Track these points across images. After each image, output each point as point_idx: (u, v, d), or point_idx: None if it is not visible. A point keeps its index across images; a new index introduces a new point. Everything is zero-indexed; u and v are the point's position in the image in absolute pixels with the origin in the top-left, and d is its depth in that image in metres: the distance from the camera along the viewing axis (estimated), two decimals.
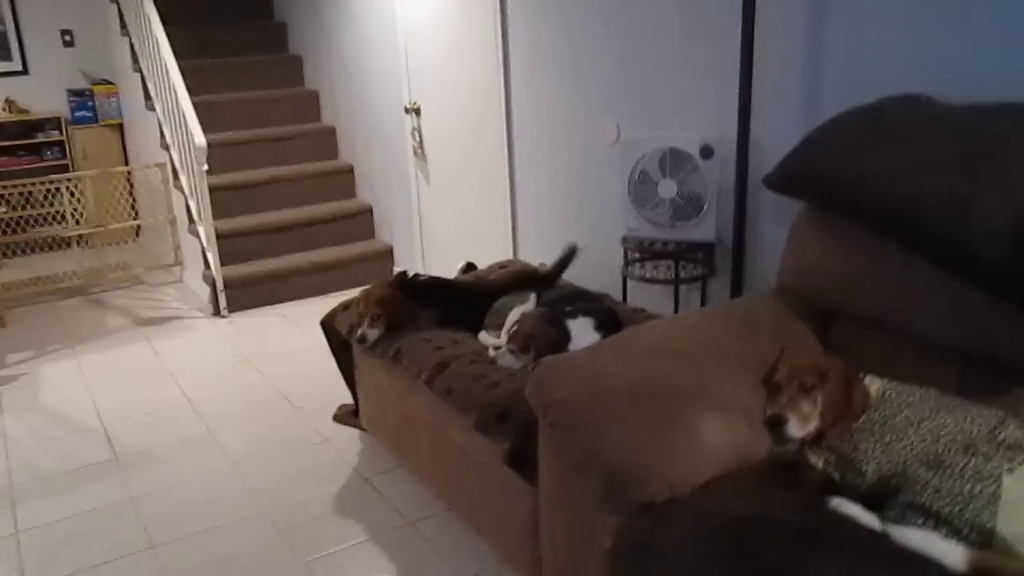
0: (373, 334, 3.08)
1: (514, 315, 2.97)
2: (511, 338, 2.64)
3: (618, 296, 3.41)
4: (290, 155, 6.18)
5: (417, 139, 5.24)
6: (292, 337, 4.97)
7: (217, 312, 5.34)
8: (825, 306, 2.38)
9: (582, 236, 4.04)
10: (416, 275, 3.29)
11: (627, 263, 3.38)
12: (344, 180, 6.23)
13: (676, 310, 3.37)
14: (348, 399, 3.81)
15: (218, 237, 5.28)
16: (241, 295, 5.40)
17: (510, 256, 4.65)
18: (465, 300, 3.21)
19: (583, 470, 1.96)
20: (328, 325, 3.44)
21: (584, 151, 3.92)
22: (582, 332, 2.64)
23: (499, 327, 3.04)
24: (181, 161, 5.54)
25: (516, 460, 2.33)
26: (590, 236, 3.99)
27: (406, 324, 3.09)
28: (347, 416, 3.79)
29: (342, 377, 3.61)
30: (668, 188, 3.16)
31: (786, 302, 2.41)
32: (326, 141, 6.34)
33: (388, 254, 5.93)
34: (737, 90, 2.89)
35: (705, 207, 3.12)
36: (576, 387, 1.97)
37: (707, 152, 3.08)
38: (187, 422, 3.92)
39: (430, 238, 5.46)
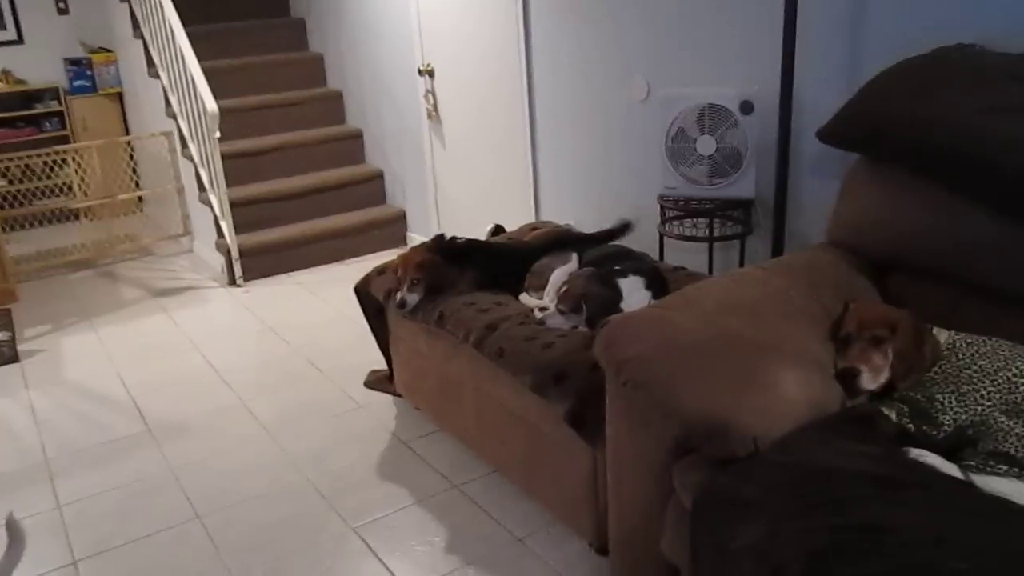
0: (413, 299, 3.05)
1: (558, 275, 2.95)
2: (561, 298, 2.62)
3: (654, 255, 3.38)
4: (297, 121, 6.09)
5: (431, 102, 5.17)
6: (312, 305, 4.94)
7: (233, 282, 5.29)
8: (881, 259, 2.36)
9: (609, 196, 4.01)
10: (453, 238, 3.26)
11: (663, 221, 3.36)
12: (353, 145, 6.15)
13: (710, 269, 3.36)
14: (376, 365, 3.80)
15: (232, 205, 5.21)
16: (256, 264, 5.35)
17: (531, 219, 4.62)
18: (504, 262, 3.18)
19: (657, 428, 1.95)
20: (362, 291, 3.41)
21: (611, 109, 3.88)
22: (633, 291, 2.62)
23: (541, 288, 3.02)
24: (190, 129, 5.45)
25: (577, 420, 2.32)
26: (617, 196, 3.96)
27: (445, 288, 3.07)
28: (380, 382, 3.77)
29: (376, 343, 3.58)
30: (706, 145, 3.13)
31: (842, 255, 2.40)
32: (333, 106, 6.25)
33: (401, 219, 5.88)
34: (775, 44, 2.85)
35: (744, 163, 3.10)
36: (649, 344, 1.96)
37: (747, 107, 3.04)
38: (217, 392, 3.89)
39: (446, 202, 5.41)
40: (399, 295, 3.06)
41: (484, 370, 2.78)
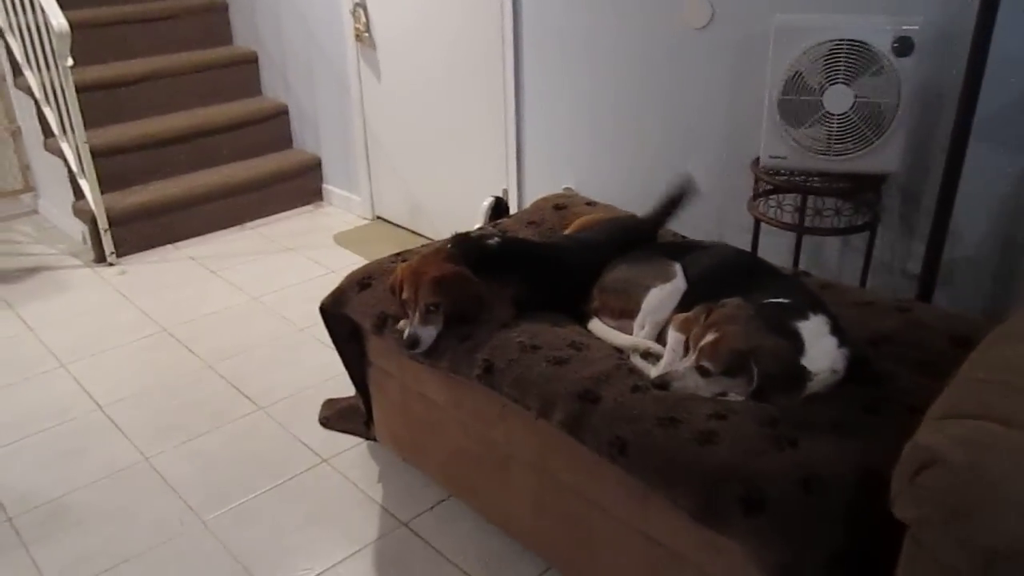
0: (428, 335, 2.02)
1: (658, 300, 1.98)
2: (708, 352, 1.67)
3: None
4: (170, 40, 4.71)
5: (363, 20, 3.96)
6: (217, 290, 3.73)
7: (101, 258, 3.98)
8: None
9: (641, 159, 3.03)
10: (480, 235, 2.21)
11: (755, 196, 2.44)
12: (245, 73, 4.84)
13: (792, 262, 2.47)
14: (332, 388, 2.75)
15: (92, 155, 3.86)
16: (131, 233, 4.06)
17: (504, 181, 3.58)
18: (559, 270, 2.18)
19: None
20: (333, 312, 2.32)
21: (647, 37, 2.87)
22: (816, 339, 1.70)
23: (620, 313, 2.04)
24: (26, 52, 4.00)
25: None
26: (653, 160, 2.99)
27: (477, 314, 2.04)
28: (343, 419, 2.73)
29: (349, 375, 2.51)
30: (840, 98, 2.20)
31: None
32: (217, 20, 4.88)
33: (314, 168, 4.69)
34: None
35: (892, 125, 2.19)
36: None
37: (904, 47, 2.13)
38: (104, 442, 2.73)
39: (380, 152, 4.26)
40: (408, 331, 2.01)
41: (563, 451, 1.82)
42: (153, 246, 4.16)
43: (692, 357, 1.71)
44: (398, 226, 4.36)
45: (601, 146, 3.15)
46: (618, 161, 3.10)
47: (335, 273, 3.85)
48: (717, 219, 2.78)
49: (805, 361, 1.66)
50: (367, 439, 2.66)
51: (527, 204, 3.52)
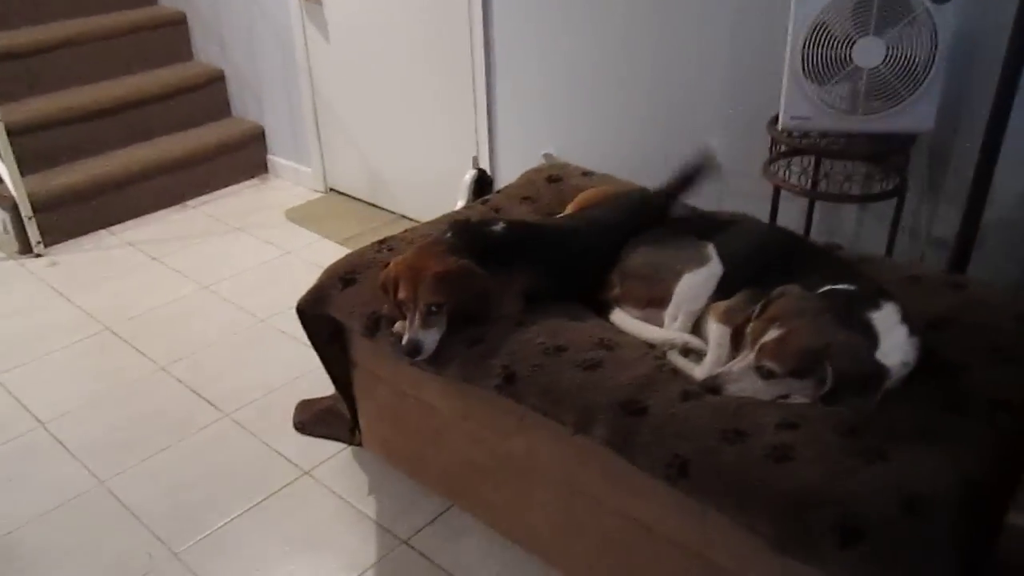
0: (431, 340, 1.76)
1: (692, 287, 1.76)
2: (771, 351, 1.46)
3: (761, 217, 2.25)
4: (86, 1, 4.23)
5: None
6: (161, 280, 3.39)
7: (27, 249, 3.58)
8: None
9: (629, 122, 2.79)
10: (483, 220, 1.96)
11: (772, 159, 2.23)
12: (174, 35, 4.41)
13: (889, 252, 2.28)
14: (304, 385, 2.49)
15: (8, 133, 3.45)
16: (60, 219, 3.66)
17: (474, 148, 3.30)
18: (573, 254, 1.94)
19: None
20: (312, 313, 2.04)
21: None
22: (889, 331, 1.50)
23: (647, 302, 1.82)
24: None
25: None
26: (643, 122, 2.75)
27: (484, 312, 1.79)
28: (321, 421, 2.48)
29: (330, 377, 2.24)
30: (871, 51, 1.99)
31: None
32: None
33: (258, 139, 4.32)
34: None
35: (927, 80, 1.99)
36: None
37: None
38: (52, 465, 2.41)
39: (331, 119, 3.92)
40: (407, 336, 1.75)
41: (598, 464, 1.60)
42: (86, 232, 3.76)
43: (749, 355, 1.50)
44: (355, 199, 4.04)
45: (584, 107, 2.89)
46: (603, 124, 2.85)
47: (291, 254, 3.54)
48: (720, 186, 2.56)
49: (879, 355, 1.46)
50: (351, 444, 2.41)
51: (501, 173, 3.27)
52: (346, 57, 3.67)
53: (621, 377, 1.57)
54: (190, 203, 4.07)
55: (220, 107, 4.40)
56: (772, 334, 1.46)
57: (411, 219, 3.77)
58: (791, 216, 2.38)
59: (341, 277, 1.98)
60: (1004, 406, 1.47)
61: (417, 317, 1.75)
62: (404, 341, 1.76)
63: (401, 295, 1.77)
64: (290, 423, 2.52)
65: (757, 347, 1.48)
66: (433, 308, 1.75)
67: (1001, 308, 1.72)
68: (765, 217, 2.31)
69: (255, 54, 4.09)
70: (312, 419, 2.49)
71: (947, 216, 2.22)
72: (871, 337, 1.46)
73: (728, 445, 1.40)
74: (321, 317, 2.02)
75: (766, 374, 1.48)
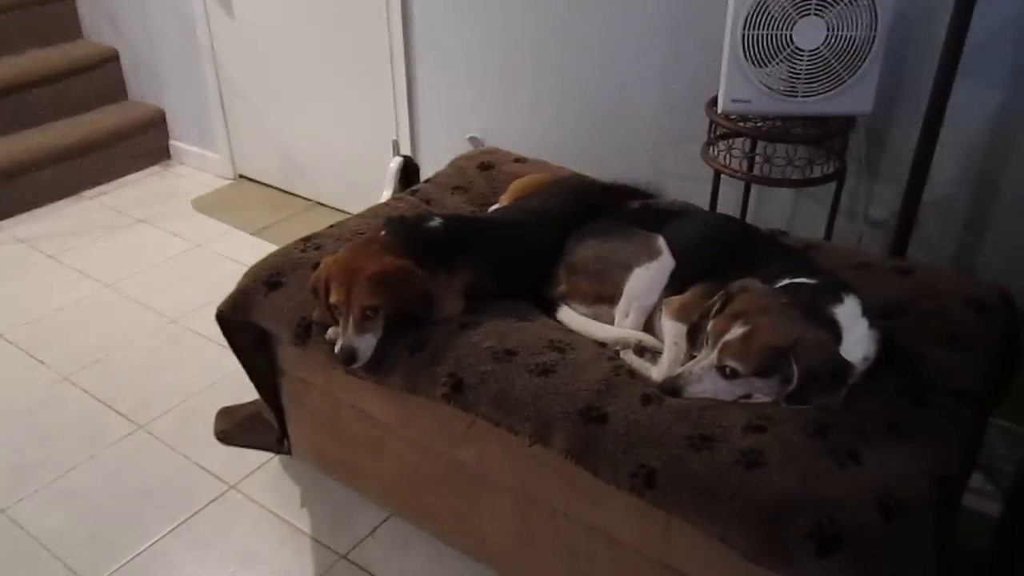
0: (367, 345, 1.64)
1: (643, 282, 1.69)
2: (734, 350, 1.39)
3: (697, 202, 2.20)
4: None
5: None
6: (60, 278, 3.14)
7: None
8: None
9: (562, 103, 2.69)
10: (419, 216, 1.83)
11: (710, 142, 2.18)
12: (59, 11, 4.07)
13: (828, 235, 2.25)
14: (222, 392, 2.33)
15: None
16: None
17: (394, 131, 3.15)
18: (516, 248, 1.84)
19: None
20: (234, 320, 1.88)
21: None
22: (852, 325, 1.45)
23: (596, 298, 1.74)
24: None
25: None
26: (577, 103, 2.66)
27: (423, 314, 1.68)
28: (244, 432, 2.32)
29: (255, 385, 2.09)
30: (811, 32, 1.95)
31: None
32: None
33: (158, 123, 4.05)
34: None
35: (867, 61, 1.96)
36: None
37: None
38: None
39: (238, 98, 3.69)
40: (340, 343, 1.63)
41: (555, 473, 1.52)
42: None
43: (711, 354, 1.44)
44: (267, 186, 3.83)
45: (511, 87, 2.78)
46: (532, 105, 2.75)
47: (201, 247, 3.33)
48: (656, 169, 2.50)
49: (843, 351, 1.41)
50: (279, 453, 2.26)
51: (424, 158, 3.13)
52: (252, 33, 3.45)
53: (577, 382, 1.49)
54: (86, 194, 3.79)
55: (115, 89, 4.11)
56: (735, 332, 1.40)
57: (327, 206, 3.59)
58: (729, 199, 2.34)
59: (265, 280, 1.83)
60: (964, 396, 1.46)
61: (351, 322, 1.63)
62: (338, 348, 1.64)
63: (333, 298, 1.64)
64: (211, 433, 2.35)
65: (719, 346, 1.42)
66: (369, 312, 1.63)
67: (950, 294, 1.70)
68: (704, 201, 2.26)
69: (151, 30, 3.82)
70: (236, 428, 2.33)
71: (882, 196, 2.21)
72: (835, 333, 1.41)
73: (695, 452, 1.34)
74: (244, 324, 1.86)
75: (729, 374, 1.42)
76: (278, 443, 2.21)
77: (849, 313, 1.45)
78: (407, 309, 1.66)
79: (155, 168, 4.04)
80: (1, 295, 3.02)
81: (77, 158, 3.76)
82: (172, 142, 4.07)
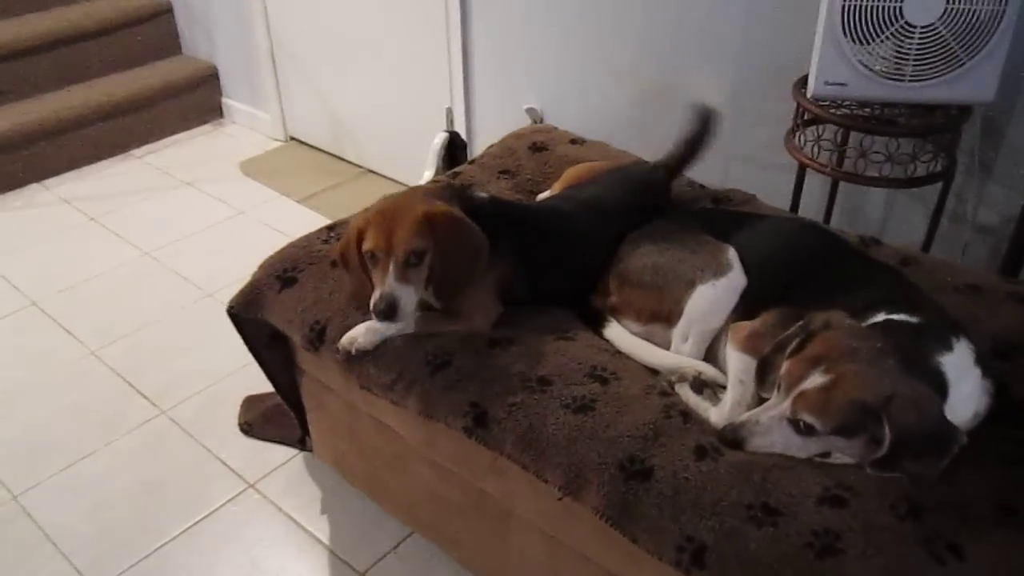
0: (410, 297, 1.42)
1: (705, 302, 1.43)
2: (811, 402, 1.14)
3: (778, 203, 1.92)
4: None
5: None
6: (99, 243, 3.04)
7: None
8: None
9: (625, 75, 2.42)
10: (464, 185, 1.62)
11: (795, 127, 1.88)
12: None
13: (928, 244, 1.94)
14: (251, 380, 2.17)
15: None
16: None
17: (448, 98, 2.91)
18: (559, 244, 1.60)
19: None
20: (246, 316, 1.70)
21: None
22: (962, 376, 1.18)
23: (651, 316, 1.50)
24: None
25: None
26: (640, 76, 2.38)
27: (467, 277, 1.47)
28: (269, 424, 2.17)
29: (276, 390, 1.92)
30: (927, 4, 1.63)
31: None
32: None
33: (211, 79, 3.90)
34: None
35: (990, 41, 1.64)
36: None
37: None
38: None
39: (289, 57, 3.50)
40: (378, 292, 1.41)
41: (589, 520, 1.29)
42: (15, 187, 3.37)
43: (783, 403, 1.19)
44: (318, 149, 3.65)
45: (574, 56, 2.52)
46: (595, 78, 2.49)
47: (244, 214, 3.17)
48: (724, 155, 2.22)
49: (948, 408, 1.15)
50: (303, 450, 2.10)
51: (479, 129, 2.89)
52: None
53: (620, 424, 1.26)
54: (135, 152, 3.68)
55: (168, 43, 3.97)
56: (815, 380, 1.15)
57: (378, 174, 3.40)
58: (812, 193, 2.05)
59: (279, 275, 1.65)
60: None
61: (392, 268, 1.41)
62: (375, 299, 1.41)
63: (370, 244, 1.42)
64: (235, 422, 2.21)
65: (795, 394, 1.17)
66: (413, 258, 1.41)
67: None
68: (784, 194, 1.97)
69: None
70: (260, 419, 2.18)
71: (996, 200, 1.90)
72: (940, 387, 1.15)
73: (756, 527, 1.10)
74: (254, 322, 1.68)
75: (804, 429, 1.17)
76: (300, 442, 2.05)
77: (959, 363, 1.18)
78: (453, 265, 1.44)
79: (206, 127, 3.90)
80: (39, 259, 2.92)
81: (126, 115, 3.64)
82: (224, 100, 3.93)
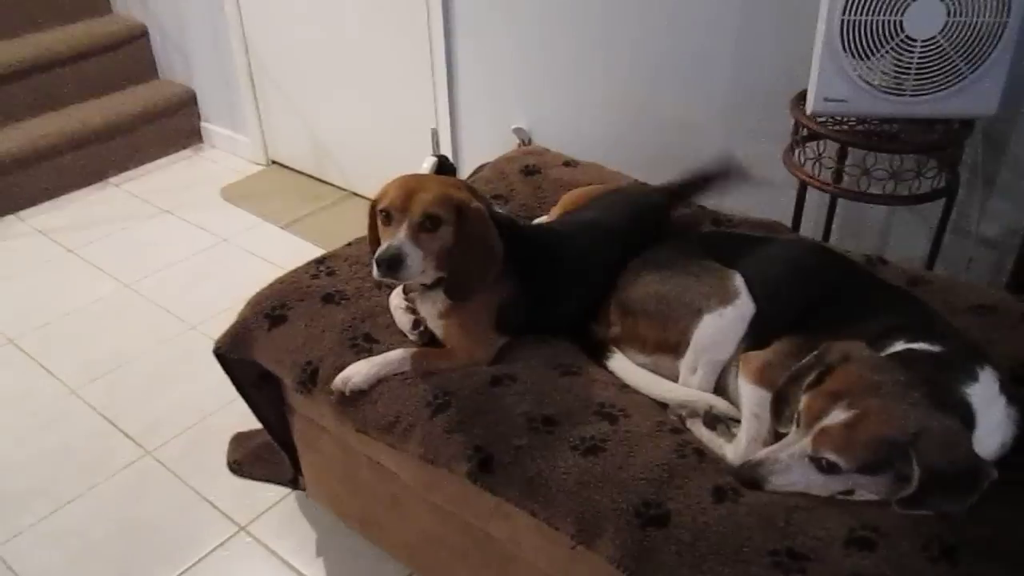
0: (417, 257, 1.35)
1: (712, 331, 1.38)
2: (835, 439, 1.09)
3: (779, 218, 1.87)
4: None
5: None
6: (76, 275, 2.95)
7: None
8: None
9: (617, 95, 2.37)
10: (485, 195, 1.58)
11: (795, 144, 1.84)
12: None
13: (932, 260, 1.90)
14: (239, 416, 2.07)
15: None
16: None
17: (433, 119, 2.86)
18: (557, 267, 1.54)
19: None
20: (233, 357, 1.63)
21: None
22: (987, 408, 1.13)
23: (656, 346, 1.44)
24: None
25: None
26: (633, 95, 2.34)
27: (480, 276, 1.42)
28: (259, 462, 2.08)
29: (266, 429, 1.84)
30: (927, 17, 1.59)
31: None
32: None
33: (189, 104, 3.82)
34: None
35: (992, 54, 1.61)
36: None
37: None
38: None
39: (269, 80, 3.44)
40: (387, 243, 1.36)
41: (601, 572, 1.23)
42: None
43: (804, 439, 1.13)
44: (300, 173, 3.59)
45: (561, 73, 2.47)
46: (584, 97, 2.44)
47: (227, 241, 3.10)
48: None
49: (976, 442, 1.10)
50: (295, 489, 2.03)
51: (465, 151, 2.84)
52: (282, 11, 3.18)
53: (632, 466, 1.20)
54: (112, 180, 3.60)
55: (144, 68, 3.89)
56: (837, 415, 1.10)
57: (364, 197, 3.33)
58: (811, 210, 2.01)
59: (267, 313, 1.58)
60: None
61: (405, 226, 1.35)
62: (380, 250, 1.35)
63: (385, 203, 1.38)
64: (223, 461, 2.12)
65: (816, 430, 1.12)
66: (428, 223, 1.36)
67: None
68: (780, 212, 1.93)
69: (179, 6, 3.57)
70: (250, 457, 2.10)
71: (999, 212, 1.86)
72: (967, 419, 1.10)
73: (781, 574, 1.04)
74: (241, 363, 1.61)
75: (827, 467, 1.11)
76: (292, 481, 1.97)
77: (985, 393, 1.13)
78: (472, 259, 1.39)
79: (185, 152, 3.83)
80: (16, 294, 2.84)
81: (102, 142, 3.56)
82: (204, 124, 3.85)
